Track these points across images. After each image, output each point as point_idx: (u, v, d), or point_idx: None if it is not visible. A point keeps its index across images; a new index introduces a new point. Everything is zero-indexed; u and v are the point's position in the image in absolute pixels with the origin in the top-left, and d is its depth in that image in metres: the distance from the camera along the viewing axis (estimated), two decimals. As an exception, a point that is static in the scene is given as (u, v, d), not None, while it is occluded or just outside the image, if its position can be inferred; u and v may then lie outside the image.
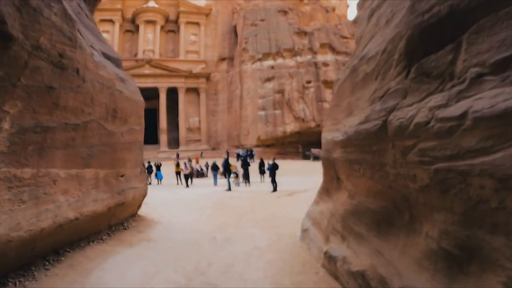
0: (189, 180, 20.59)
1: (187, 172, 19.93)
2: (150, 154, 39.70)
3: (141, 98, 10.06)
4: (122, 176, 8.93)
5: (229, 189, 17.56)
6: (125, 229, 9.36)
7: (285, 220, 9.87)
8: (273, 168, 16.97)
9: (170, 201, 13.53)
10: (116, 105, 8.27)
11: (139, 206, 10.51)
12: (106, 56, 9.15)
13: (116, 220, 9.25)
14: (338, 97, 5.73)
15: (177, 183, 21.76)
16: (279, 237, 8.05)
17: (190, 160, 23.20)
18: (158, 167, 22.84)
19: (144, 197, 10.41)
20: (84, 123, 7.14)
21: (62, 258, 7.04)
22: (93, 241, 8.05)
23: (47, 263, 6.71)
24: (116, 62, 9.69)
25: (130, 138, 9.11)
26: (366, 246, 4.26)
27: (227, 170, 18.23)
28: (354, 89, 4.90)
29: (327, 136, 5.80)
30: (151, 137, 44.36)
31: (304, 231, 7.02)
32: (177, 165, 21.74)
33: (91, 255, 7.44)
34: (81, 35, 7.33)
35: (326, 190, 6.34)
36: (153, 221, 10.36)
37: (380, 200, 3.88)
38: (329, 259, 5.19)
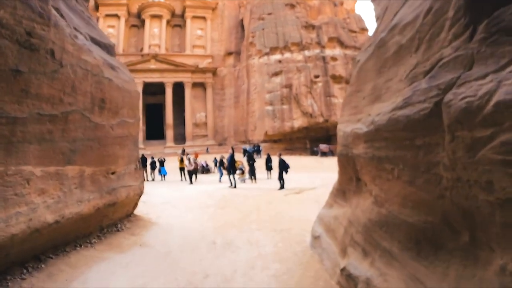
0: (193, 177, 19.63)
1: (191, 168, 18.94)
2: (156, 150, 38.97)
3: (136, 88, 9.08)
4: (113, 173, 7.97)
5: (234, 186, 16.57)
6: (118, 230, 8.44)
7: (293, 222, 8.84)
8: (281, 164, 15.91)
9: (171, 199, 12.58)
10: (104, 94, 7.30)
11: (134, 206, 9.56)
12: (95, 42, 8.18)
13: (108, 221, 8.33)
14: (359, 82, 4.68)
15: (181, 180, 20.82)
16: (286, 243, 7.03)
17: (185, 154, 22.18)
18: (162, 163, 21.90)
19: (140, 196, 9.46)
20: (64, 114, 6.18)
21: (43, 266, 6.16)
22: (80, 245, 7.15)
23: (25, 271, 5.86)
24: (107, 48, 8.71)
25: (122, 131, 8.14)
26: (399, 269, 3.23)
27: (232, 166, 17.21)
28: (381, 69, 3.85)
29: (344, 128, 4.75)
30: (157, 133, 43.60)
31: (316, 238, 5.99)
32: (181, 160, 20.78)
33: (75, 262, 6.55)
34: (60, 14, 6.36)
35: (342, 192, 5.30)
36: (149, 222, 9.41)
37: (423, 212, 2.83)
38: (348, 278, 4.16)
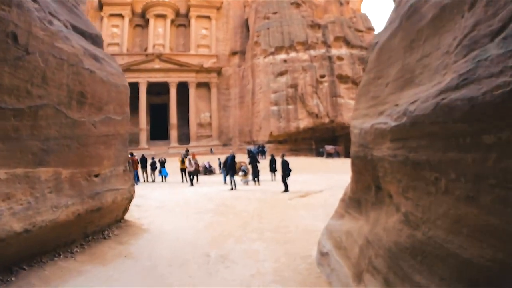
0: (195, 178, 18.72)
1: (192, 169, 18.02)
2: (160, 150, 38.16)
3: (125, 83, 8.16)
4: (96, 176, 7.07)
5: (233, 188, 15.66)
6: (104, 238, 7.55)
7: (297, 231, 7.87)
8: (284, 166, 14.93)
9: (167, 203, 11.66)
10: (84, 87, 6.40)
11: (125, 211, 8.66)
12: (79, 31, 7.29)
13: (94, 228, 7.45)
14: (379, 66, 3.72)
15: (182, 181, 19.91)
16: (290, 258, 6.06)
17: (189, 154, 21.27)
18: (163, 164, 21.00)
19: (130, 201, 8.55)
20: (33, 109, 5.28)
21: (13, 279, 5.34)
22: (60, 255, 6.29)
23: (-8, 284, 4.99)
24: (93, 39, 7.82)
25: (107, 129, 7.23)
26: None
27: (232, 168, 16.26)
28: (413, 44, 2.90)
29: (361, 124, 3.79)
30: (161, 133, 42.81)
31: (323, 255, 5.02)
32: (182, 161, 19.87)
33: (50, 274, 5.70)
34: (30, -5, 5.46)
35: (356, 202, 4.33)
36: (140, 228, 8.50)
37: (490, 246, 1.86)
38: (366, 315, 3.21)
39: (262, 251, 6.56)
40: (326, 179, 19.76)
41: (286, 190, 14.22)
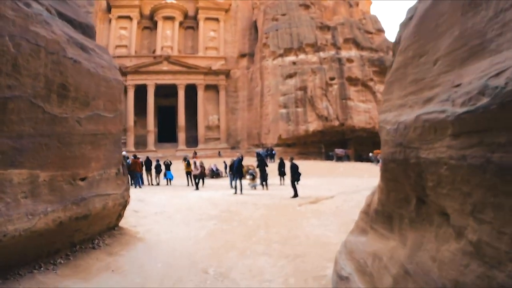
0: (201, 182, 17.87)
1: (197, 172, 17.17)
2: (168, 152, 37.44)
3: (118, 77, 7.33)
4: (82, 179, 6.24)
5: (236, 192, 14.82)
6: (94, 248, 6.71)
7: (308, 243, 6.93)
8: (293, 170, 14.00)
9: (168, 208, 10.80)
10: (66, 79, 5.57)
11: (119, 217, 7.83)
12: (65, 18, 6.51)
13: (82, 236, 6.63)
14: (420, 40, 2.82)
15: (188, 184, 19.07)
16: (300, 278, 5.14)
17: (196, 157, 20.43)
18: (168, 166, 20.16)
19: (123, 206, 7.71)
20: (1, 101, 4.48)
21: (-18, 294, 4.53)
22: (41, 267, 5.49)
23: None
24: (83, 28, 7.03)
25: (95, 128, 6.40)
26: None
27: (239, 171, 15.36)
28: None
29: (396, 117, 2.87)
30: (169, 135, 42.15)
31: (342, 278, 4.09)
32: (187, 164, 19.01)
33: (23, 292, 4.89)
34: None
35: (385, 217, 3.41)
36: (135, 237, 7.65)
37: None
38: None
39: (268, 268, 5.64)
40: (337, 183, 18.78)
41: (296, 195, 13.29)
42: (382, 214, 3.45)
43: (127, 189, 7.76)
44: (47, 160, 5.39)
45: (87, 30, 7.19)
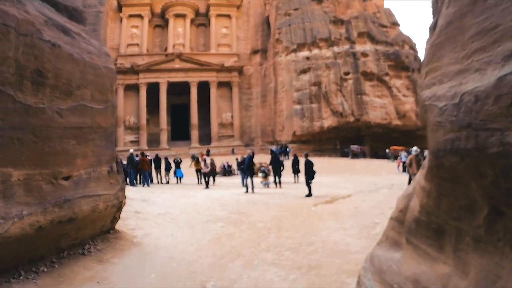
0: (211, 180, 17.05)
1: (207, 170, 16.35)
2: (181, 150, 36.88)
3: (109, 65, 6.51)
4: (66, 178, 5.45)
5: (247, 191, 13.98)
6: (83, 254, 5.94)
7: (325, 251, 5.99)
8: (307, 167, 13.04)
9: (173, 209, 9.99)
10: (42, 65, 4.77)
11: (113, 220, 7.03)
12: (50, 2, 5.73)
13: (71, 241, 5.89)
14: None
15: (198, 182, 18.28)
16: (316, 296, 4.25)
17: (193, 157, 19.63)
18: (178, 164, 19.41)
19: (118, 208, 6.89)
20: (-46, 87, 3.70)
21: None
22: (20, 275, 4.75)
23: None
24: (70, 12, 6.25)
25: (80, 120, 5.60)
26: None
27: (250, 169, 14.46)
28: None
29: (458, 88, 1.94)
30: (182, 133, 41.57)
31: (370, 305, 3.16)
32: (197, 161, 18.21)
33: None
34: None
35: (433, 230, 2.47)
36: (131, 242, 6.85)
37: None
38: None
39: (277, 282, 4.73)
40: (353, 181, 17.73)
41: (310, 194, 12.33)
42: (427, 226, 2.51)
43: (122, 189, 6.95)
44: (20, 156, 4.61)
45: (74, 14, 6.40)
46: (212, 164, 17.09)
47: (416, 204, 2.71)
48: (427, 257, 2.54)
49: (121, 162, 11.67)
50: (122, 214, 8.55)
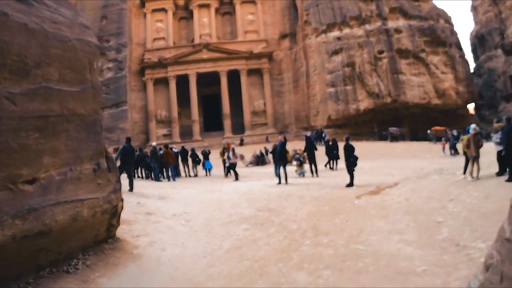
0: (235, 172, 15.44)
1: (235, 161, 14.80)
2: (214, 141, 35.62)
3: (86, 37, 4.94)
4: (30, 182, 4.04)
5: (280, 182, 12.28)
6: (68, 272, 4.60)
7: (378, 268, 4.21)
8: (347, 152, 11.15)
9: (192, 207, 8.50)
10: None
11: (110, 227, 5.61)
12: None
13: (53, 256, 4.61)
14: None
15: (226, 175, 16.75)
16: None
17: (242, 145, 18.03)
18: (206, 156, 18.01)
19: (112, 214, 5.42)
20: None
21: None
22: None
23: None
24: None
25: (43, 107, 4.14)
26: None
27: (282, 157, 12.73)
28: None
29: None
30: (215, 124, 40.35)
31: None
32: (223, 152, 16.71)
33: None
34: None
35: None
36: (130, 254, 5.40)
37: None
38: None
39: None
40: (396, 167, 15.52)
41: (351, 184, 10.45)
42: None
43: (116, 191, 5.47)
44: None
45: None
46: (235, 155, 15.49)
47: None
48: None
49: (124, 156, 10.27)
50: (131, 217, 7.19)
